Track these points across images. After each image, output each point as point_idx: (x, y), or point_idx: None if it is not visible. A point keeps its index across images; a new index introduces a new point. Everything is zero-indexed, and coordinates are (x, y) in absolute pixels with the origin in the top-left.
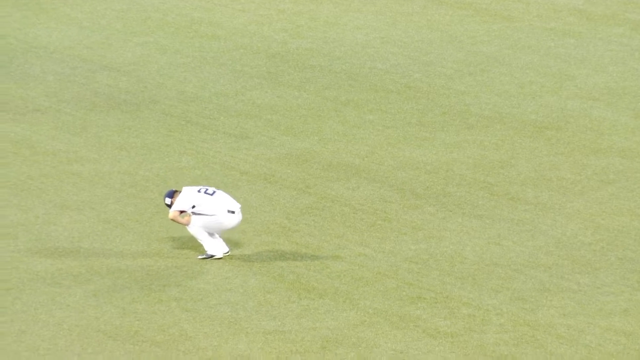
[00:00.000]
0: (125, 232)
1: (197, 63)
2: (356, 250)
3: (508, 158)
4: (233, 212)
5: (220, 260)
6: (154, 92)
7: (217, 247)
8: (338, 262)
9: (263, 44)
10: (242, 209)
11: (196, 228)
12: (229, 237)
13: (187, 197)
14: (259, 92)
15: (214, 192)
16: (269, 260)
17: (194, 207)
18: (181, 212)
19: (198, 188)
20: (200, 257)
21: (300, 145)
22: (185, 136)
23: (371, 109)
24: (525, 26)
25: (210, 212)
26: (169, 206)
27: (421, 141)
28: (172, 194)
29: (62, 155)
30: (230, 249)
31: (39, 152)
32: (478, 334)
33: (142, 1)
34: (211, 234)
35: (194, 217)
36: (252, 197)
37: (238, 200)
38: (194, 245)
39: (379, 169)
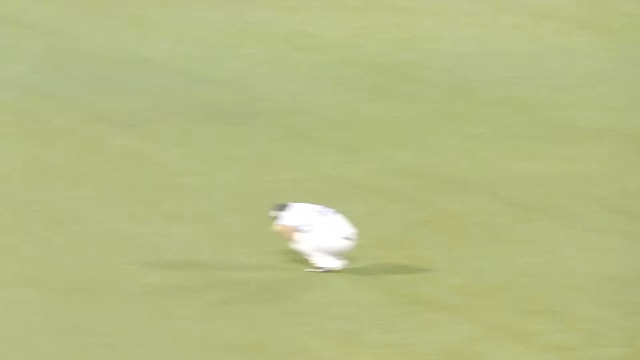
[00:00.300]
0: (238, 245)
1: (302, 75)
2: (470, 264)
3: (619, 171)
4: (345, 239)
5: (336, 273)
6: (258, 106)
7: (329, 260)
8: (452, 276)
9: (367, 56)
10: (355, 223)
11: (302, 245)
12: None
13: (298, 214)
14: (365, 105)
15: (328, 212)
16: (384, 273)
17: (303, 225)
18: (290, 227)
19: (311, 206)
20: (311, 270)
21: (411, 159)
22: (295, 149)
23: (480, 122)
24: (630, 39)
25: (320, 234)
26: (276, 219)
27: (531, 154)
28: (281, 207)
29: (169, 167)
30: (347, 263)
31: (147, 164)
32: (594, 347)
33: (245, 13)
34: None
35: (301, 235)
36: (364, 211)
37: (351, 219)
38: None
39: (490, 182)
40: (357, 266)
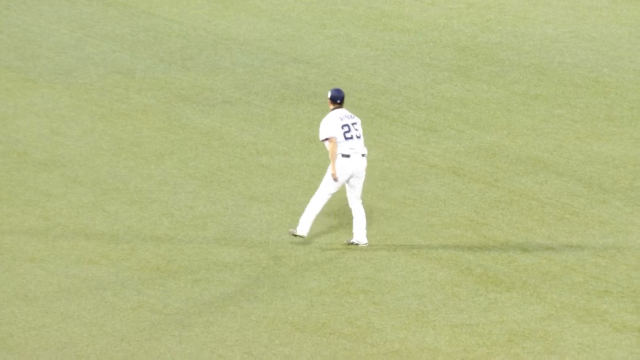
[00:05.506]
0: (313, 224)
1: (386, 56)
2: (544, 244)
3: None
4: (348, 156)
5: (408, 253)
6: (343, 85)
7: (305, 227)
8: (525, 256)
9: (452, 38)
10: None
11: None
12: (418, 229)
13: (330, 122)
14: (448, 86)
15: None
16: (456, 253)
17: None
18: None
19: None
20: (291, 230)
21: (488, 139)
22: (375, 129)
23: (560, 103)
24: None
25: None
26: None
27: (609, 136)
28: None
29: (251, 147)
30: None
31: (228, 143)
32: None
33: None
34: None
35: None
36: (440, 190)
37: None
38: (382, 237)
39: (567, 163)
40: (432, 245)
